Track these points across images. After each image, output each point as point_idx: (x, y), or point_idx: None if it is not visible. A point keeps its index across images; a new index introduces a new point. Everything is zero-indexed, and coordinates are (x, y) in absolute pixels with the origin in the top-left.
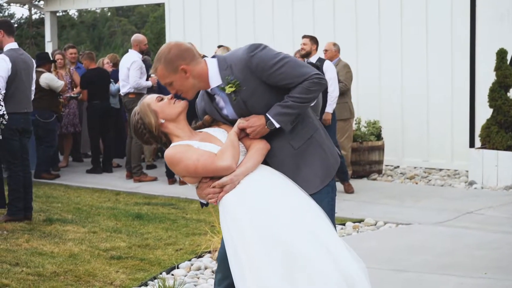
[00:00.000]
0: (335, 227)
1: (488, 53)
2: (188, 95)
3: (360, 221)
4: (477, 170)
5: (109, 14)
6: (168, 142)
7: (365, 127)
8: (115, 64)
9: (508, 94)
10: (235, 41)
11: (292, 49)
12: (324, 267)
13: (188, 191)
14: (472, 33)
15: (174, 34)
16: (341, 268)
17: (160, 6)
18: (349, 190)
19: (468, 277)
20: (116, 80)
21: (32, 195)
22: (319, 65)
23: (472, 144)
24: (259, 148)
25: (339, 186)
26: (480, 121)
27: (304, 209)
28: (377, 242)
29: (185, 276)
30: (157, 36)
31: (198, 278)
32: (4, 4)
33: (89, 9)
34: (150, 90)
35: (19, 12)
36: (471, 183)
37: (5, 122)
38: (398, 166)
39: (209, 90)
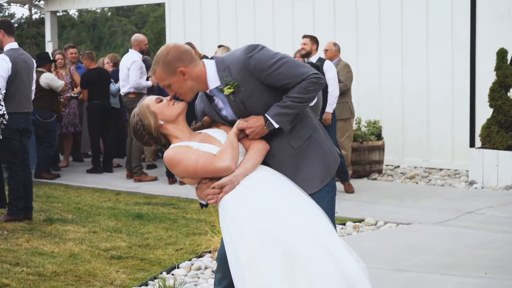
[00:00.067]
0: (335, 226)
1: (488, 53)
2: (186, 97)
3: (361, 221)
4: (477, 170)
5: (109, 14)
6: (167, 144)
7: (365, 126)
8: (115, 64)
9: (509, 94)
10: (236, 41)
11: (293, 49)
12: (324, 267)
13: (189, 191)
14: (473, 33)
15: (174, 34)
16: (341, 268)
17: (161, 6)
18: (349, 190)
19: (468, 276)
20: (117, 80)
21: (32, 195)
22: (319, 65)
23: (472, 144)
24: (259, 148)
25: (339, 186)
26: (480, 121)
27: (304, 209)
28: (378, 242)
29: (185, 276)
30: (158, 36)
31: (199, 278)
32: (4, 4)
33: (89, 9)
34: (150, 90)
35: (19, 12)
36: (472, 183)
37: (5, 122)
38: (398, 166)
39: (207, 91)
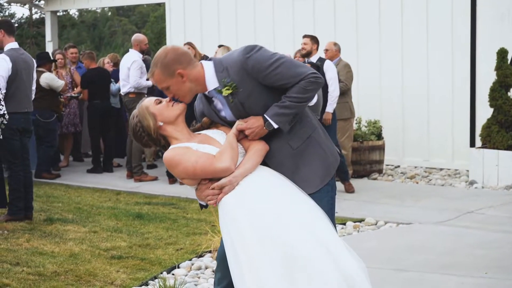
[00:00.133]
0: (335, 226)
1: (488, 53)
2: (185, 99)
3: (361, 220)
4: (477, 170)
5: (109, 13)
6: (167, 145)
7: (365, 126)
8: (116, 64)
9: (509, 93)
10: (236, 41)
11: (293, 49)
12: (324, 267)
13: (189, 191)
14: (473, 33)
15: (174, 33)
16: (341, 268)
17: (161, 5)
18: (349, 189)
19: (469, 276)
20: (117, 80)
21: (32, 195)
22: (319, 64)
23: (472, 144)
24: (258, 149)
25: (339, 185)
26: (480, 121)
27: (304, 209)
28: (378, 242)
29: (185, 275)
30: (158, 36)
31: (199, 277)
32: (5, 4)
33: (90, 8)
34: (151, 90)
35: (20, 11)
36: (472, 183)
37: (5, 122)
38: (398, 166)
39: (206, 93)
